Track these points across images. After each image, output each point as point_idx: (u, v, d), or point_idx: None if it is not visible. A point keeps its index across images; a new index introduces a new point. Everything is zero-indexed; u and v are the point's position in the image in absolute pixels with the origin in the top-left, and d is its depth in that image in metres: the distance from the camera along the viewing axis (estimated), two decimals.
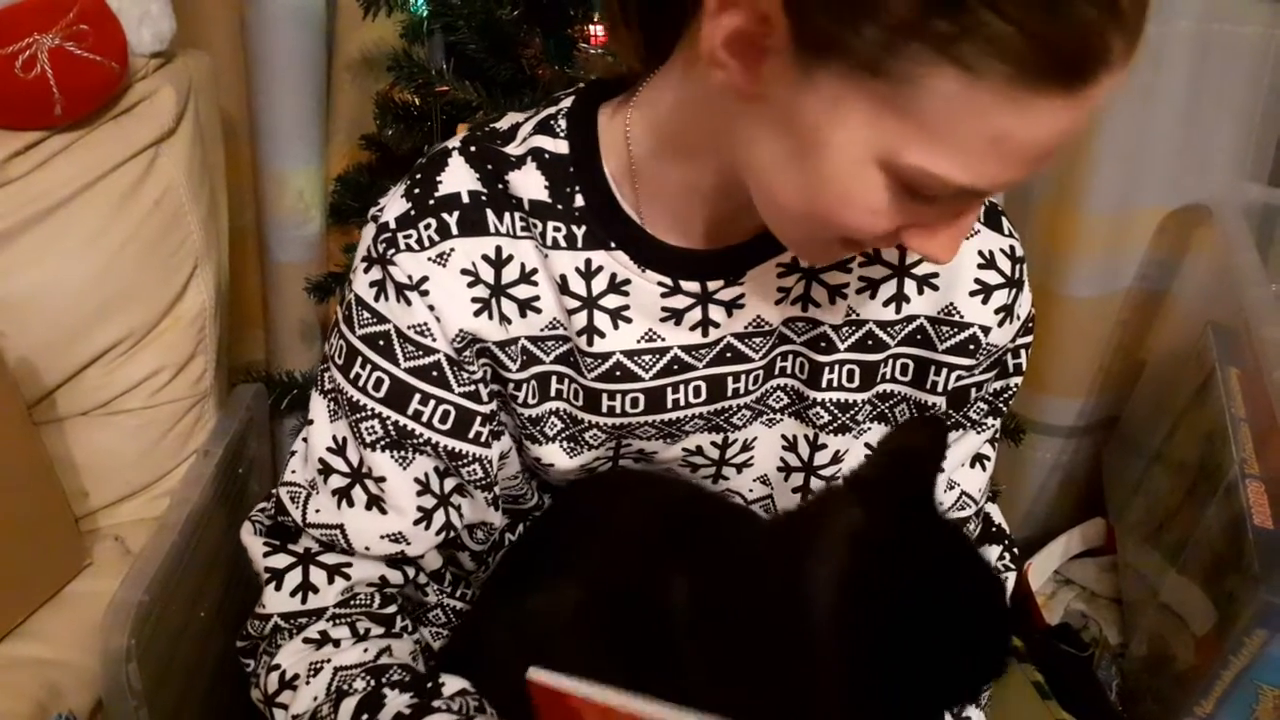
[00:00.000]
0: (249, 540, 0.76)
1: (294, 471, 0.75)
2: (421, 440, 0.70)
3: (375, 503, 0.72)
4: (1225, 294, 1.23)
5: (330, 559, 0.73)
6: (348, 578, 0.73)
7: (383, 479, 0.71)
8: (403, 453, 0.71)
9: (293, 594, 0.72)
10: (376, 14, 1.19)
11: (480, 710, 0.68)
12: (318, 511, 0.73)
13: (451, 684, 0.69)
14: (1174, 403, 1.31)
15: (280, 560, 0.73)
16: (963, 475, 0.81)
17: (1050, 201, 1.36)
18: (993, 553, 0.85)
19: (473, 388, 0.71)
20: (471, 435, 0.71)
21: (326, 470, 0.73)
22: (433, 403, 0.70)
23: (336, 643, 0.72)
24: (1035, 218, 1.38)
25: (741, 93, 0.56)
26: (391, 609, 0.75)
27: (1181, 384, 1.30)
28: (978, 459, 0.82)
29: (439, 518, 0.73)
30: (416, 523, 0.72)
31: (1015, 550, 0.87)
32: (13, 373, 0.93)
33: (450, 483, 0.73)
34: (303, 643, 0.72)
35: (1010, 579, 0.85)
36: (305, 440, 0.75)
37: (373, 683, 0.69)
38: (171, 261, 1.12)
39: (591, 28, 1.16)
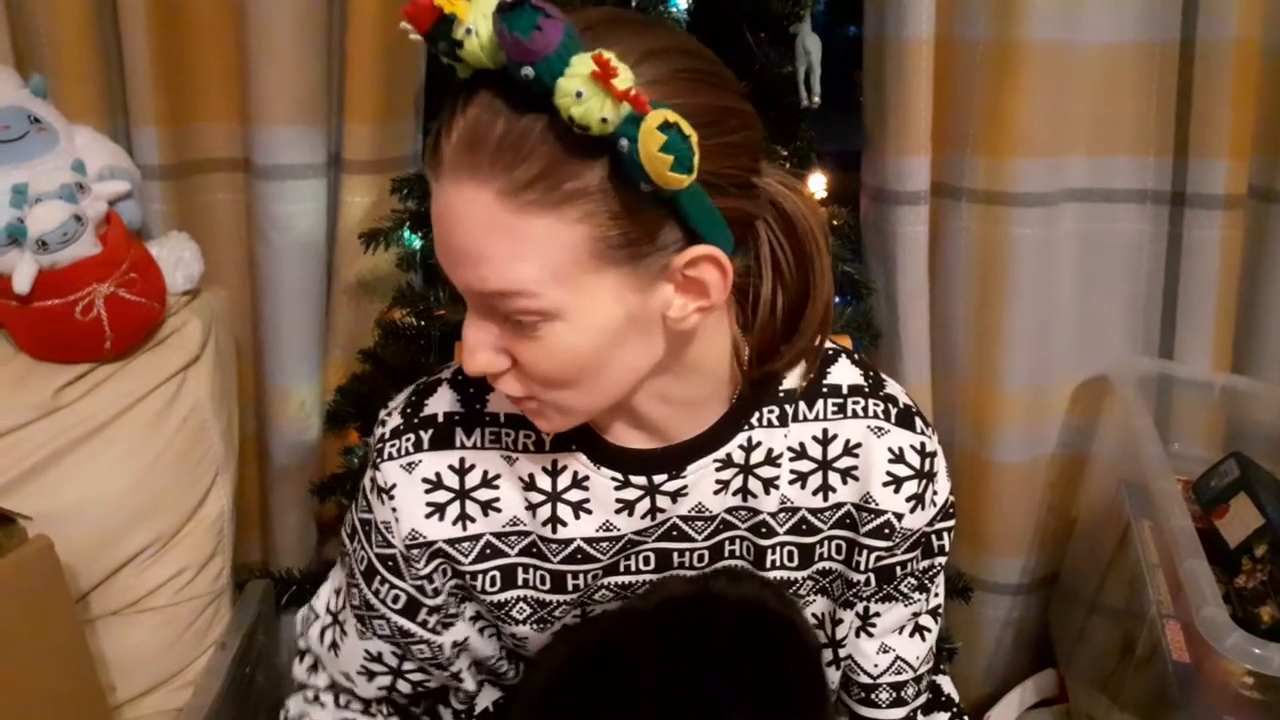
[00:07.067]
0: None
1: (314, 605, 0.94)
2: (378, 615, 0.85)
3: (334, 647, 0.89)
4: (1131, 454, 1.34)
5: None
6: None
7: (345, 634, 0.88)
8: (363, 626, 0.87)
9: (307, 670, 0.95)
10: (376, 249, 1.35)
11: None
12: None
13: None
14: (1102, 555, 1.41)
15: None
16: (899, 642, 0.89)
17: (973, 380, 1.49)
18: (941, 719, 0.93)
19: (420, 583, 0.84)
20: (419, 620, 0.85)
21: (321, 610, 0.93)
22: (388, 586, 0.84)
23: (323, 704, 0.94)
24: (962, 395, 1.51)
25: None
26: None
27: (1106, 538, 1.40)
28: (918, 629, 0.89)
29: (382, 679, 0.89)
30: (358, 674, 0.89)
31: (965, 718, 0.95)
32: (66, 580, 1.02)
33: (410, 664, 0.88)
34: (303, 700, 0.95)
35: None
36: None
37: None
38: (196, 471, 1.22)
39: None
